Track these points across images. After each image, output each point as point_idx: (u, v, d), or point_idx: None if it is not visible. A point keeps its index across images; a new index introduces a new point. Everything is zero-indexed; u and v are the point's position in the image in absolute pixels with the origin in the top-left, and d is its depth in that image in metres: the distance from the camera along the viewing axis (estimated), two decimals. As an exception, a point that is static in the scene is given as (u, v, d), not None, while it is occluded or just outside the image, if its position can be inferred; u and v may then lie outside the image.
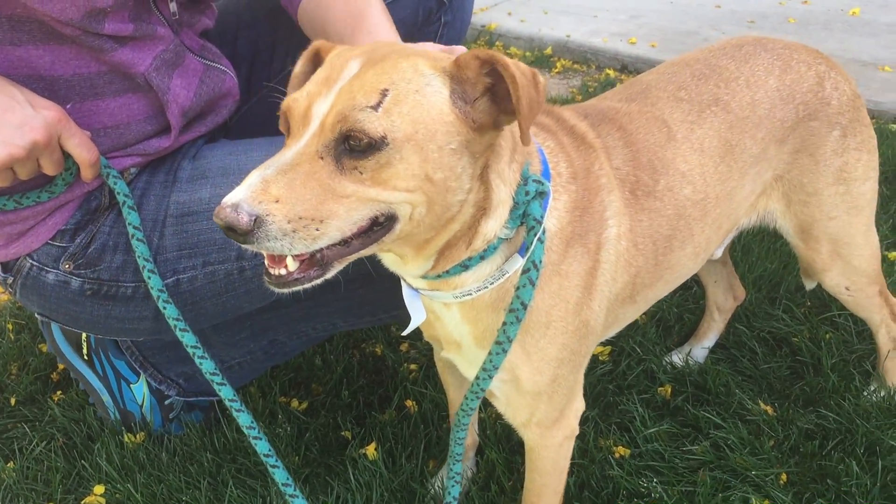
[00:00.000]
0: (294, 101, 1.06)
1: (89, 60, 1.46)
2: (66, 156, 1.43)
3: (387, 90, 1.02)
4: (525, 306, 1.18)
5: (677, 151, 1.47)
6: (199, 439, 1.91)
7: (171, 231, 1.57)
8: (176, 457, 1.88)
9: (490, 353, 1.23)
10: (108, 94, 1.51)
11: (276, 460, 1.52)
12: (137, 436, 1.93)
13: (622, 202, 1.38)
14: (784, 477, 1.75)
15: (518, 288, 1.18)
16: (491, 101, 1.07)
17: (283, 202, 0.97)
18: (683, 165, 1.47)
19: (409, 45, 1.25)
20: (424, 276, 1.21)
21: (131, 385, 1.95)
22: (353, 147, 1.00)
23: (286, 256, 1.05)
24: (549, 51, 4.89)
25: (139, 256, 1.52)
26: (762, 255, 2.47)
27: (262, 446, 1.51)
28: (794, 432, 1.85)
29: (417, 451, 1.85)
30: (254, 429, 1.51)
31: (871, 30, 4.90)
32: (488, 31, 5.15)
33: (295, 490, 1.53)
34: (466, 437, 1.77)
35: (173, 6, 1.59)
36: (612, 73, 4.57)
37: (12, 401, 2.09)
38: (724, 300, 2.14)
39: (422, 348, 2.20)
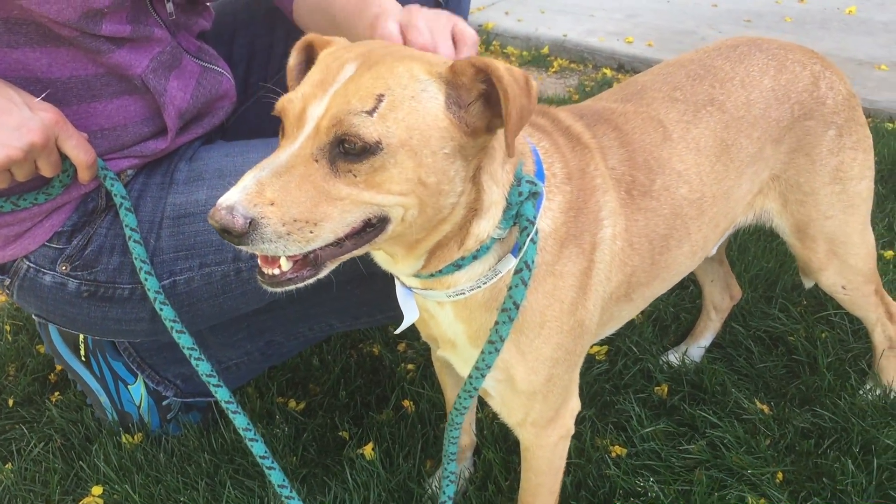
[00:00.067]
0: (289, 101, 1.06)
1: (86, 62, 1.46)
2: (64, 158, 1.43)
3: (382, 95, 1.02)
4: (517, 306, 1.19)
5: (673, 151, 1.47)
6: (196, 440, 1.92)
7: (167, 233, 1.57)
8: (174, 457, 1.88)
9: (483, 353, 1.24)
10: (104, 96, 1.51)
11: (273, 462, 1.53)
12: (135, 437, 1.93)
13: (618, 202, 1.38)
14: (780, 475, 1.75)
15: (511, 288, 1.18)
16: (485, 105, 1.07)
17: (277, 205, 0.97)
18: (679, 165, 1.47)
19: (405, 47, 1.24)
20: (416, 275, 1.22)
21: (129, 386, 1.95)
22: (347, 150, 1.00)
23: (280, 257, 1.05)
24: (545, 50, 4.89)
25: (136, 258, 1.52)
26: (758, 255, 2.47)
27: (258, 448, 1.52)
28: (790, 431, 1.85)
29: (415, 451, 1.86)
30: (250, 430, 1.51)
31: (867, 28, 4.90)
32: (485, 31, 5.15)
33: (291, 492, 1.53)
34: (463, 437, 1.77)
35: (170, 7, 1.59)
36: (608, 72, 4.57)
37: (10, 402, 2.09)
38: (720, 299, 2.15)
39: (419, 348, 2.21)
